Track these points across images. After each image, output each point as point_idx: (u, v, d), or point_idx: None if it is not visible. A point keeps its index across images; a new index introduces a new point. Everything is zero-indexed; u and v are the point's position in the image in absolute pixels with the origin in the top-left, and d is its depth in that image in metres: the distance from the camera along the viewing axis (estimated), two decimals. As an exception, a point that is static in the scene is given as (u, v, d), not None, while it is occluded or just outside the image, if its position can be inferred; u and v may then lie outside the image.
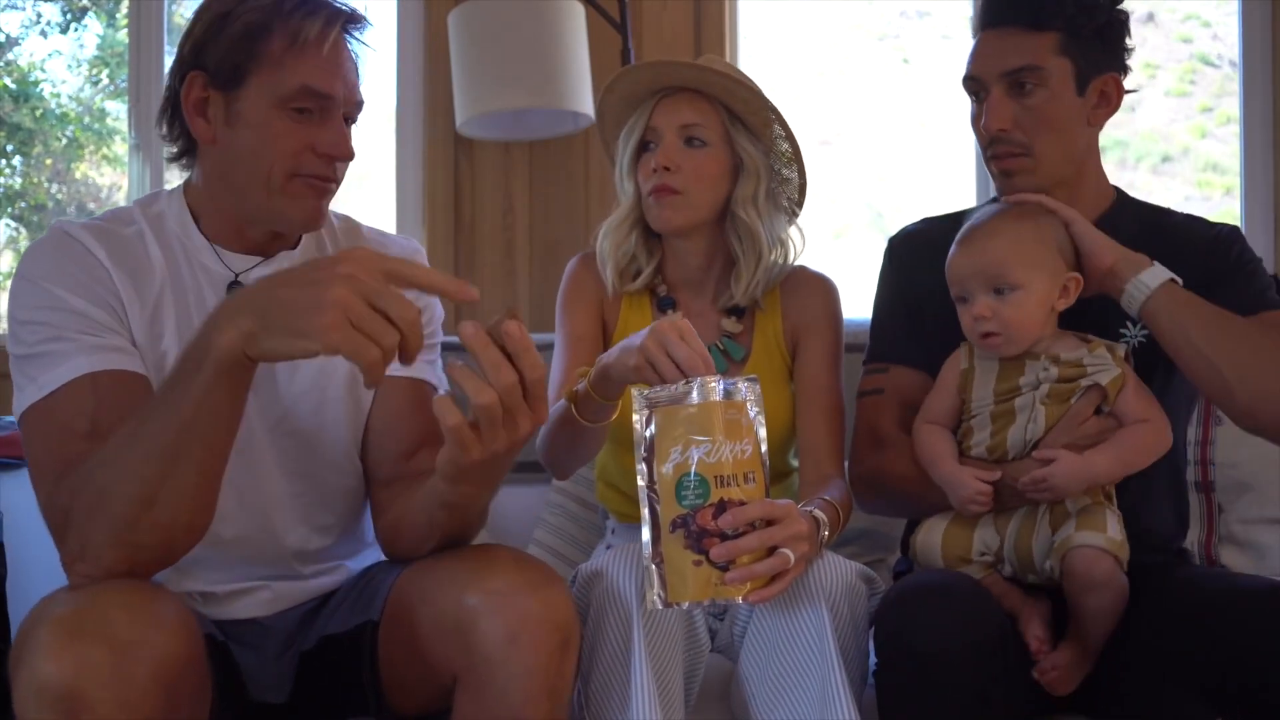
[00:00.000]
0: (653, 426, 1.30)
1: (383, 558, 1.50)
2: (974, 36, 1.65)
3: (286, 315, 1.04)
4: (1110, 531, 1.45)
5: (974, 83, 1.63)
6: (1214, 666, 1.33)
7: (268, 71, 1.33)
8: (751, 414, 1.31)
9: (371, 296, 1.03)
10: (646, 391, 1.32)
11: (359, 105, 1.41)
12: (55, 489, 1.22)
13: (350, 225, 1.55)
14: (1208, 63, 3.56)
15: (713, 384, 1.30)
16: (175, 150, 1.44)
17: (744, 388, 1.31)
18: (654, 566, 1.29)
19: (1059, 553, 1.46)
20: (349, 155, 1.40)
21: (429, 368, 1.51)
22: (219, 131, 1.36)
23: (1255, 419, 1.50)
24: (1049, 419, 1.50)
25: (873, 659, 1.43)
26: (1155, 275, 1.49)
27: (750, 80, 1.71)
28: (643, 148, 1.71)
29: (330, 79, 1.36)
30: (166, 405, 1.14)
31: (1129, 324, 1.61)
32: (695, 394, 1.30)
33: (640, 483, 1.30)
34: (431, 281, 1.10)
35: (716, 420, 1.29)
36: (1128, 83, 1.64)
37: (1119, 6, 1.61)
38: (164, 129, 1.43)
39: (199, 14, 1.37)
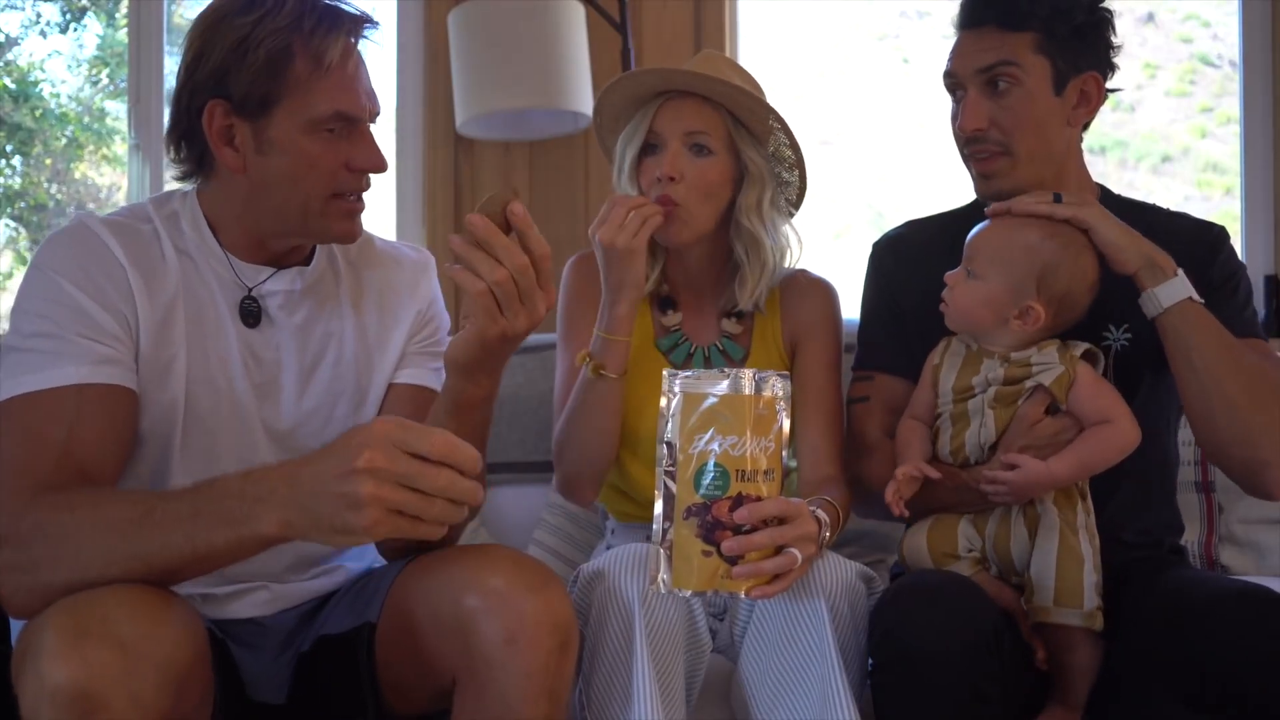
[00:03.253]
0: (679, 410, 1.30)
1: (382, 560, 1.51)
2: (954, 36, 1.65)
3: (329, 517, 1.07)
4: (1086, 604, 1.44)
5: (951, 80, 1.63)
6: (1193, 671, 1.33)
7: (296, 97, 1.31)
8: (779, 410, 1.31)
9: (401, 480, 1.05)
10: (679, 374, 1.32)
11: (379, 111, 1.41)
12: (14, 506, 1.19)
13: (364, 237, 1.54)
14: (1208, 63, 3.56)
15: (746, 376, 1.30)
16: (184, 170, 1.41)
17: (776, 383, 1.31)
18: (662, 551, 1.29)
19: (1035, 617, 1.46)
20: (383, 168, 1.39)
21: (434, 376, 1.51)
22: (249, 159, 1.34)
23: (1227, 455, 1.51)
24: (998, 423, 1.50)
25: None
26: (1171, 293, 1.48)
27: (754, 86, 1.70)
28: (645, 151, 1.70)
29: (356, 98, 1.35)
30: (178, 533, 1.12)
31: (1111, 327, 1.60)
32: (727, 384, 1.29)
33: (659, 465, 1.30)
34: (452, 455, 1.08)
35: (746, 413, 1.29)
36: (1114, 81, 1.64)
37: (1100, 5, 1.60)
38: (174, 153, 1.40)
39: (211, 39, 1.32)
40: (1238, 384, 1.47)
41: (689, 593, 1.30)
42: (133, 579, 1.12)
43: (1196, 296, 1.49)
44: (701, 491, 1.28)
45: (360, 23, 1.36)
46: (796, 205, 1.77)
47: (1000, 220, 1.54)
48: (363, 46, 1.39)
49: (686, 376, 1.31)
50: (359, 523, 1.04)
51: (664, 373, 1.33)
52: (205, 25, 1.34)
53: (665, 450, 1.30)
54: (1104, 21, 1.60)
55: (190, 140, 1.37)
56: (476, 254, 1.18)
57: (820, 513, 1.44)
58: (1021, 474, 1.44)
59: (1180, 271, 1.49)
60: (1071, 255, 1.49)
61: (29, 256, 3.39)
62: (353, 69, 1.35)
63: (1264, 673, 1.29)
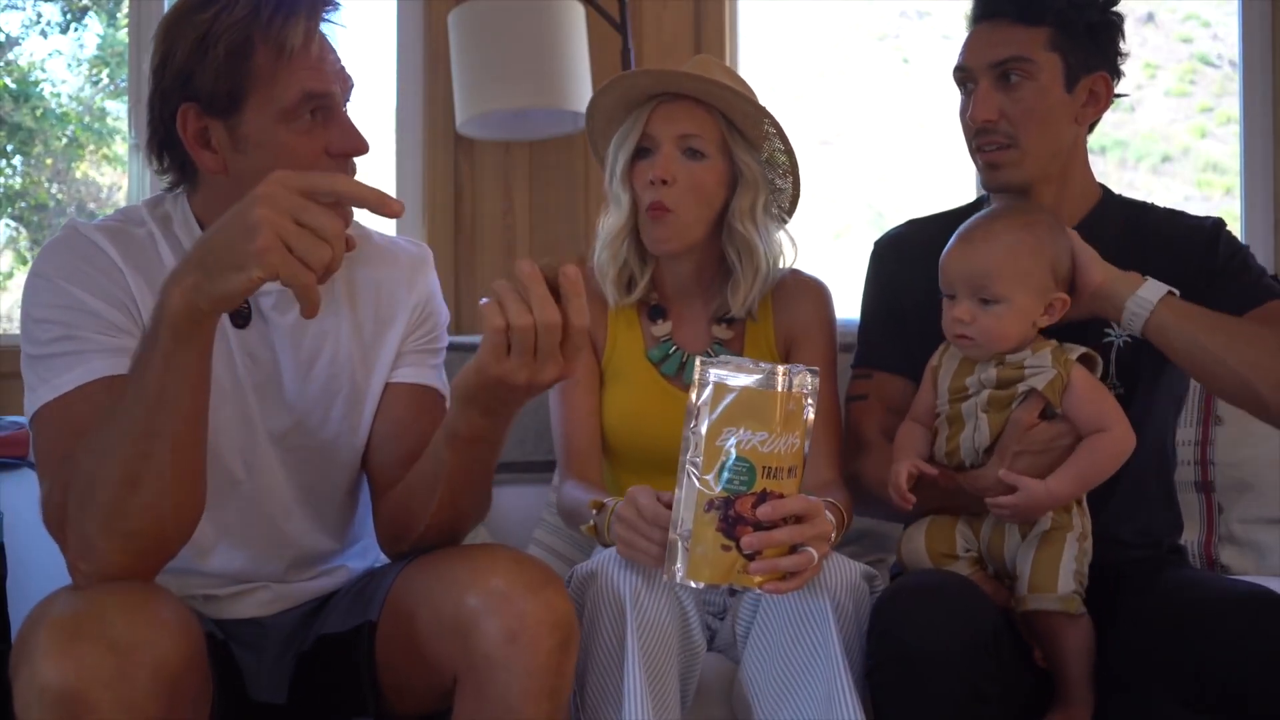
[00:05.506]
0: (709, 402, 1.28)
1: (385, 560, 1.51)
2: (967, 30, 1.65)
3: (222, 253, 1.06)
4: (1060, 588, 1.44)
5: (963, 73, 1.64)
6: (1193, 672, 1.33)
7: (262, 89, 1.29)
8: (806, 407, 1.30)
9: (296, 213, 1.04)
10: (712, 364, 1.30)
11: (352, 87, 1.37)
12: (54, 485, 1.21)
13: (361, 232, 1.52)
14: (1208, 63, 3.56)
15: (780, 371, 1.29)
16: (170, 180, 1.40)
17: (808, 380, 1.30)
18: (680, 542, 1.28)
19: (1017, 608, 1.47)
20: (364, 149, 1.35)
21: (433, 373, 1.51)
22: (228, 159, 1.32)
23: (1240, 404, 1.51)
24: (992, 427, 1.50)
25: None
26: (1154, 290, 1.47)
27: (749, 91, 1.70)
28: (638, 154, 1.69)
29: (324, 78, 1.31)
30: (135, 383, 1.15)
31: (1114, 325, 1.60)
32: (760, 378, 1.28)
33: (684, 455, 1.29)
34: (354, 192, 1.09)
35: (777, 409, 1.27)
36: (1120, 86, 1.65)
37: (1113, 8, 1.61)
38: (157, 164, 1.38)
39: (172, 41, 1.30)
40: (1254, 345, 1.47)
41: (702, 584, 1.30)
42: (136, 468, 1.13)
43: (1175, 291, 1.48)
44: (725, 485, 1.27)
45: (319, 4, 1.33)
46: (789, 213, 1.76)
47: (982, 241, 1.51)
48: (329, 26, 1.34)
49: (720, 364, 1.30)
50: (249, 248, 1.03)
51: (697, 361, 1.31)
52: (166, 26, 1.31)
53: (691, 439, 1.29)
54: (1115, 24, 1.62)
55: (170, 148, 1.35)
56: (510, 295, 1.13)
57: (828, 514, 1.45)
58: (1022, 496, 1.44)
59: (1149, 277, 1.49)
60: (1059, 233, 1.51)
61: (29, 256, 3.39)
62: (316, 51, 1.31)
63: (1264, 674, 1.29)
